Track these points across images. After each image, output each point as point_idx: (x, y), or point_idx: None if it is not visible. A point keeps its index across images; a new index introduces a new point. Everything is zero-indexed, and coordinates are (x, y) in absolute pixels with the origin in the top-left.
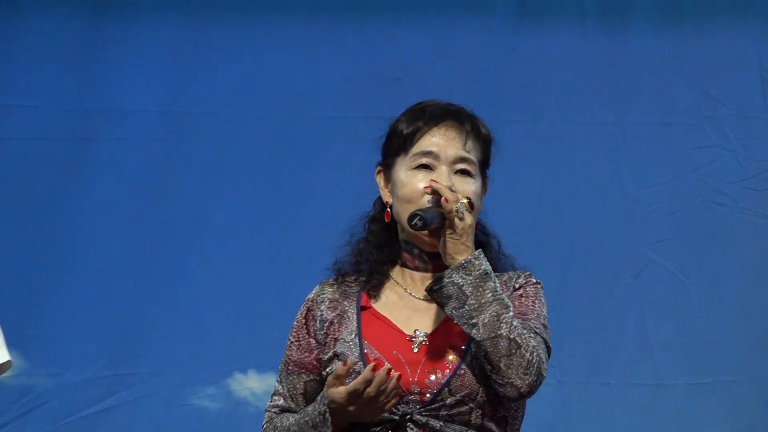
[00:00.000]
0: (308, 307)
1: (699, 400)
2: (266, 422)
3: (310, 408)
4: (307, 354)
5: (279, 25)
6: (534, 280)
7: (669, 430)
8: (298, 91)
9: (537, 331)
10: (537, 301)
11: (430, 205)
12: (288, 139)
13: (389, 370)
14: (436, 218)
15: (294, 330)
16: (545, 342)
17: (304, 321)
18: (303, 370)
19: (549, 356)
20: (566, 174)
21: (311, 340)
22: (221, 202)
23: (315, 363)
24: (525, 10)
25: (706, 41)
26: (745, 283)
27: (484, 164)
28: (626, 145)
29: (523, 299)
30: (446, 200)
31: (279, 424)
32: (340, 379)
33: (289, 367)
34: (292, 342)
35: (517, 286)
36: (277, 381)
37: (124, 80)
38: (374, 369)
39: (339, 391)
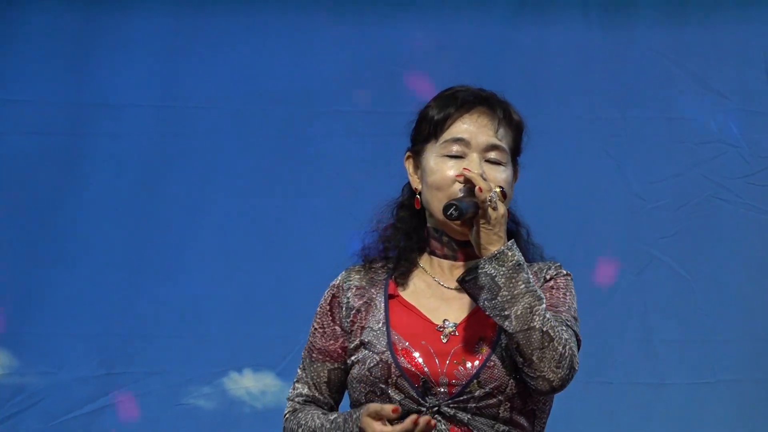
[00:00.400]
0: (333, 294)
1: (702, 399)
2: (289, 412)
3: (341, 420)
4: (332, 342)
5: (276, 17)
6: (564, 272)
7: (671, 430)
8: (295, 85)
9: (569, 323)
10: (568, 293)
11: (463, 195)
12: (285, 134)
13: (429, 422)
14: (471, 208)
15: (318, 317)
16: (576, 335)
17: (328, 308)
18: (327, 358)
19: (579, 348)
20: (567, 170)
21: (336, 327)
22: (217, 198)
23: (340, 351)
24: (526, 3)
25: (710, 34)
26: (749, 280)
27: (515, 152)
28: (628, 141)
29: (554, 291)
30: (480, 189)
31: (303, 422)
32: (381, 419)
33: (313, 355)
34: (316, 329)
35: (548, 277)
36: (300, 368)
37: (118, 74)
38: (415, 422)
39: (374, 429)
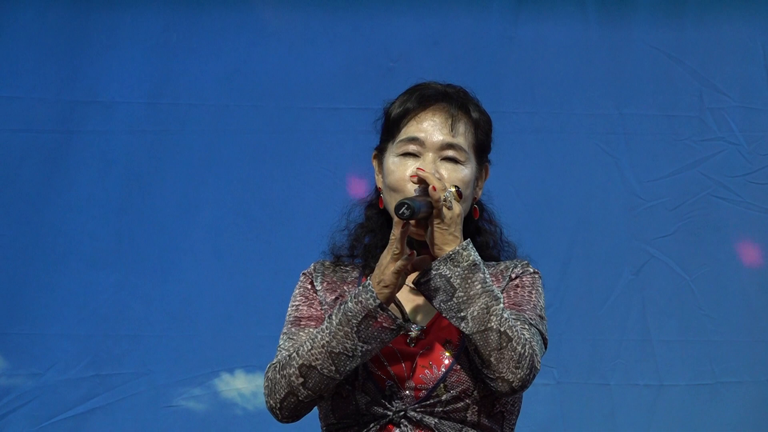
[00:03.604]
0: (309, 280)
1: (701, 401)
2: (282, 361)
3: (342, 307)
4: (320, 311)
5: (268, 13)
6: (531, 270)
7: None
8: (288, 81)
9: (532, 322)
10: (534, 291)
11: (418, 194)
12: (278, 131)
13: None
14: (424, 207)
15: (298, 295)
16: (541, 333)
17: (309, 286)
18: (321, 324)
19: (546, 348)
20: (565, 167)
21: (318, 300)
22: (209, 197)
23: None
24: None
25: (710, 31)
26: (750, 280)
27: (479, 149)
28: (627, 138)
29: (518, 289)
30: (434, 188)
31: (302, 349)
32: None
33: (302, 322)
34: (299, 304)
35: (513, 276)
36: (282, 341)
37: (109, 70)
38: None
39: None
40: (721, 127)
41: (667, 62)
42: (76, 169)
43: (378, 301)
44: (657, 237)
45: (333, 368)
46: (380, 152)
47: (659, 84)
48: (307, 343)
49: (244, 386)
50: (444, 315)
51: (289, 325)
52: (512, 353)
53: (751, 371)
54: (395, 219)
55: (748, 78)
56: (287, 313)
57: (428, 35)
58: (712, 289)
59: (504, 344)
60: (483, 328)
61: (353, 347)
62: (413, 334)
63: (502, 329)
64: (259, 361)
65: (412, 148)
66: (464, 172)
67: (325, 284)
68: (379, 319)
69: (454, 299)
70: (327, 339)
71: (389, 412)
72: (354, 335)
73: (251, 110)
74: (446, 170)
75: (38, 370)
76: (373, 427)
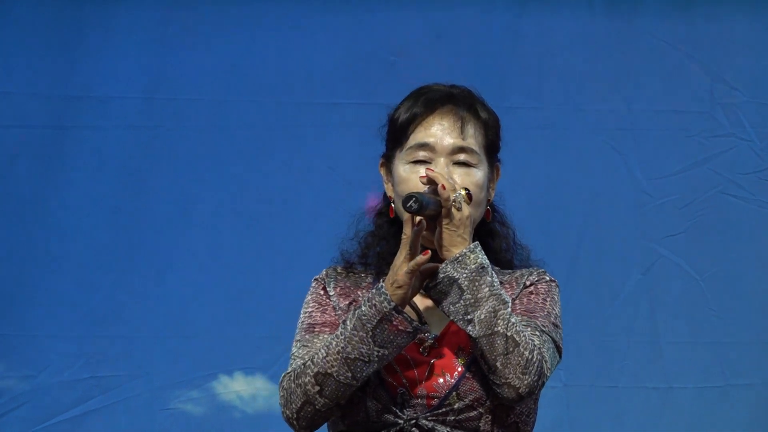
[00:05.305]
0: (322, 285)
1: (711, 404)
2: (297, 370)
3: (356, 311)
4: (334, 317)
5: (266, 7)
6: (548, 278)
7: None
8: (287, 76)
9: (544, 329)
10: (549, 299)
11: (427, 193)
12: (277, 127)
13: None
14: (432, 203)
15: (311, 301)
16: (554, 341)
17: (322, 292)
18: (336, 330)
19: (560, 357)
20: (572, 164)
21: (332, 306)
22: (206, 194)
23: None
24: None
25: (721, 24)
26: (761, 280)
27: (490, 149)
28: (636, 134)
29: (532, 296)
30: (443, 187)
31: (317, 357)
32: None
33: (316, 329)
34: (312, 310)
35: (528, 283)
36: (296, 348)
37: (104, 65)
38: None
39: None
40: (732, 122)
41: (676, 56)
42: (70, 166)
43: (393, 304)
44: (666, 236)
45: (349, 374)
46: (387, 160)
47: (668, 79)
48: (322, 351)
49: (243, 389)
50: (451, 317)
51: (303, 332)
52: (519, 358)
53: (762, 374)
54: (406, 217)
55: (760, 72)
56: (299, 320)
57: (431, 28)
58: (722, 289)
59: (511, 349)
60: (489, 331)
61: (369, 352)
62: (427, 342)
63: (508, 334)
64: (258, 362)
65: (422, 154)
66: (477, 176)
67: (338, 290)
68: (394, 322)
69: (462, 301)
70: (342, 345)
71: (400, 420)
72: (369, 340)
73: (250, 105)
74: (459, 175)
75: (32, 372)
76: None
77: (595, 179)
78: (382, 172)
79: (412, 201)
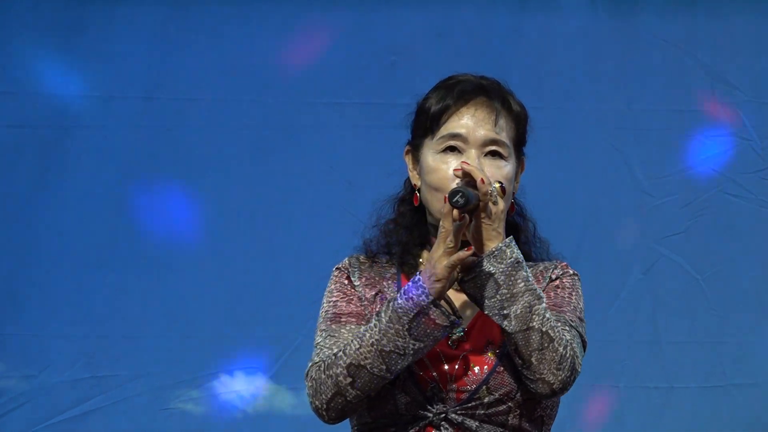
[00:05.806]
0: (345, 275)
1: (712, 403)
2: (327, 360)
3: (390, 304)
4: (359, 307)
5: (267, 6)
6: (571, 272)
7: None
8: (289, 76)
9: (572, 324)
10: (574, 293)
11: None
12: (279, 127)
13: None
14: (474, 199)
15: (335, 290)
16: (581, 336)
17: (347, 281)
18: (362, 321)
19: (585, 351)
20: (573, 163)
21: (357, 295)
22: (208, 194)
23: (369, 317)
24: None
25: (722, 23)
26: (762, 279)
27: (518, 143)
28: (636, 133)
29: (559, 290)
30: (482, 181)
31: (349, 348)
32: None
33: (342, 319)
34: (336, 300)
35: (553, 277)
36: (321, 338)
37: (105, 65)
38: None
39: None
40: (733, 122)
41: (677, 55)
42: (71, 166)
43: (431, 297)
44: (667, 235)
45: (384, 367)
46: (414, 148)
47: (669, 78)
48: (355, 342)
49: (244, 388)
50: (487, 312)
51: (328, 322)
52: (554, 354)
53: (764, 373)
54: (446, 210)
55: (761, 71)
56: (322, 309)
57: (431, 27)
58: (723, 288)
59: (546, 345)
60: (525, 327)
61: (404, 345)
62: (455, 335)
63: (544, 329)
64: (259, 362)
65: (453, 143)
66: (507, 168)
67: (363, 279)
68: (431, 316)
69: (498, 296)
70: (377, 337)
71: (429, 414)
72: (405, 333)
73: (251, 105)
74: (489, 167)
75: (32, 372)
76: (411, 428)
77: (596, 179)
78: (408, 159)
79: (458, 196)
